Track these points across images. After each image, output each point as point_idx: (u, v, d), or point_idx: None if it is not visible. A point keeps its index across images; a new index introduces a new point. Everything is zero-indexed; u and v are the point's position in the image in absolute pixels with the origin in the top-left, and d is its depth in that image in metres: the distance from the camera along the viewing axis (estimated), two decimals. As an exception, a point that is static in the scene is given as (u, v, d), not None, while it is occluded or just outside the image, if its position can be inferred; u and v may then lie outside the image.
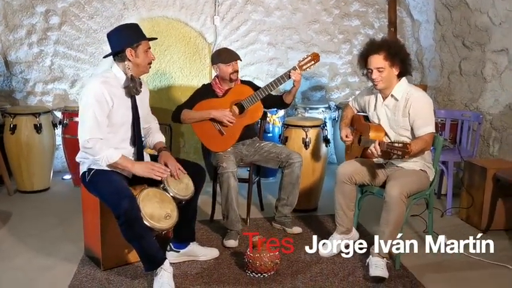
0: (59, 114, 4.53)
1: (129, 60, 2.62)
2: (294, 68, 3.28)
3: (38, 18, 4.57)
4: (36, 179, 4.23)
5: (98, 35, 4.68)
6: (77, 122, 4.18)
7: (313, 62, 3.31)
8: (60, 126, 4.36)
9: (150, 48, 2.70)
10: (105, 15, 4.67)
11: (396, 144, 2.54)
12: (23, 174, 4.18)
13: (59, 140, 4.52)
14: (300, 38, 5.07)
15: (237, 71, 3.38)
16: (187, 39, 4.87)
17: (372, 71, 2.82)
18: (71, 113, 4.26)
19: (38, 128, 4.13)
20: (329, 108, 4.95)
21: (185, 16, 4.82)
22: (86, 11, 4.63)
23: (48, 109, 4.42)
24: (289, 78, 3.28)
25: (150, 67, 2.74)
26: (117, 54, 2.63)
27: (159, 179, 2.62)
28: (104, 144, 2.53)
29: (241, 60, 3.43)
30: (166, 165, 2.69)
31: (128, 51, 2.60)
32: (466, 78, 4.45)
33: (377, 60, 2.79)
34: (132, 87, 2.62)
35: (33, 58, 4.62)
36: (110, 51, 2.68)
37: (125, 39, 2.62)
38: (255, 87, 3.46)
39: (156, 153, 2.91)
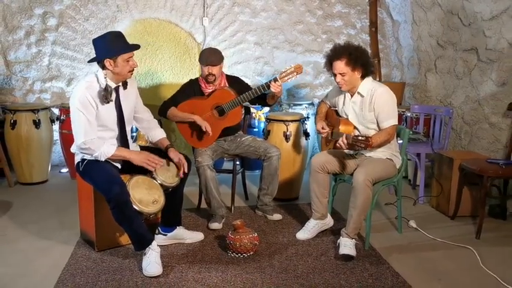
0: (56, 111, 4.79)
1: (108, 69, 2.78)
2: (275, 80, 3.37)
3: (36, 20, 4.82)
4: (35, 171, 4.48)
5: (93, 35, 4.90)
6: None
7: (295, 74, 3.40)
8: (58, 122, 4.61)
9: (132, 56, 2.82)
10: (100, 17, 4.92)
11: (360, 138, 2.81)
12: (23, 167, 4.43)
13: (56, 135, 4.77)
14: (285, 37, 5.33)
15: (212, 75, 3.49)
16: (177, 40, 5.13)
17: (336, 75, 3.07)
18: (67, 109, 4.48)
19: (36, 124, 4.38)
20: (312, 104, 5.20)
21: (175, 17, 5.07)
22: (82, 13, 4.88)
23: (46, 105, 4.66)
24: (269, 88, 3.39)
25: (131, 74, 2.86)
26: (99, 61, 2.80)
27: (152, 169, 2.85)
28: (99, 141, 2.76)
29: (216, 64, 3.49)
30: (178, 162, 2.96)
31: (107, 62, 2.74)
32: (441, 76, 4.72)
33: (339, 66, 3.03)
34: (103, 96, 2.78)
35: (31, 58, 4.88)
36: None
37: (105, 51, 2.75)
38: (242, 84, 3.69)
39: (148, 145, 3.19)
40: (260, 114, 4.77)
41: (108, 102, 2.80)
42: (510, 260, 2.99)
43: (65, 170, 4.92)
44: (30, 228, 3.40)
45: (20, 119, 4.35)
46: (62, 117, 4.54)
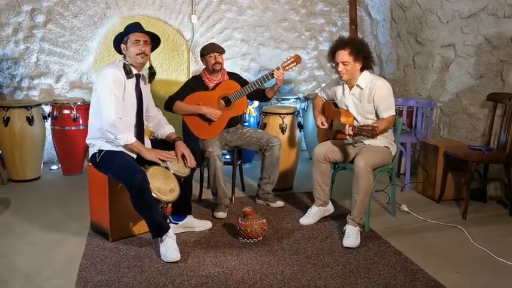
0: (46, 108, 4.75)
1: (123, 54, 3.00)
2: (278, 68, 3.62)
3: (24, 17, 4.78)
4: (28, 168, 4.45)
5: (81, 32, 4.94)
6: (65, 115, 4.49)
7: (295, 63, 3.66)
8: (50, 118, 4.60)
9: (140, 40, 2.93)
10: (89, 14, 4.93)
11: (366, 127, 2.99)
12: (16, 164, 4.40)
13: (47, 133, 4.73)
14: (270, 35, 5.51)
15: (219, 63, 3.68)
16: (166, 37, 5.20)
17: (338, 64, 3.25)
18: (60, 106, 4.52)
19: (30, 120, 4.36)
20: (299, 99, 5.41)
21: (164, 15, 5.15)
22: (70, 9, 4.88)
23: (39, 102, 4.64)
24: (273, 77, 3.63)
25: (141, 58, 2.95)
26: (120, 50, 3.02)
27: (164, 165, 2.98)
28: (125, 126, 2.88)
29: (222, 53, 3.72)
30: (183, 155, 3.06)
31: (122, 46, 2.98)
32: (419, 71, 5.01)
33: (342, 55, 3.22)
34: (125, 72, 2.92)
35: (19, 55, 4.83)
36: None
37: (119, 36, 3.00)
38: (241, 79, 3.85)
39: (154, 138, 3.29)
40: (250, 108, 4.91)
41: (131, 77, 2.94)
42: (497, 236, 3.27)
43: (55, 166, 4.90)
44: (37, 222, 3.42)
45: (13, 116, 4.32)
46: (54, 114, 4.53)
